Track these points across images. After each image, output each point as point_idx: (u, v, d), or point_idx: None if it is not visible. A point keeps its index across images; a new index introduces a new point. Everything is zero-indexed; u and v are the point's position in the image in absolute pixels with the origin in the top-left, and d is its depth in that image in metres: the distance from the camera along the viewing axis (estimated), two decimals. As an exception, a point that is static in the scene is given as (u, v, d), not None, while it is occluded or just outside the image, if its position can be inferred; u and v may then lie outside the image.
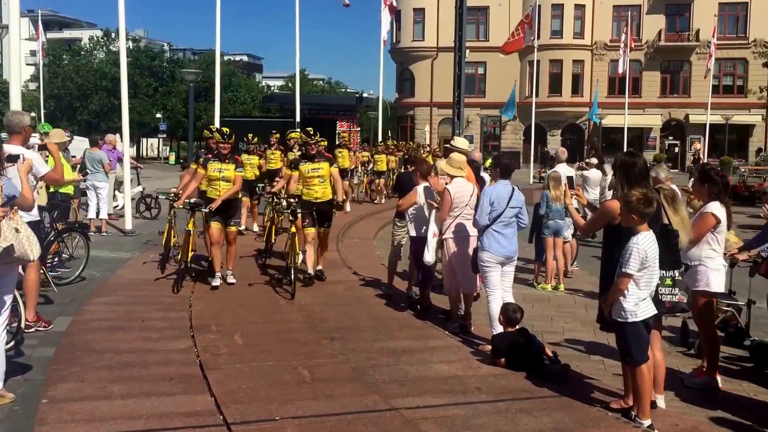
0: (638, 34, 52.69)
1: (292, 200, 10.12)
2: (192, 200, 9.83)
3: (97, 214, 15.19)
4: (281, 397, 5.66)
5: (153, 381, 6.04)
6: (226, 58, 66.89)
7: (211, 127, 10.72)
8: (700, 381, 6.83)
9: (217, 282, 9.74)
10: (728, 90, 53.36)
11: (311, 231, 10.12)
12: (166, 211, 11.88)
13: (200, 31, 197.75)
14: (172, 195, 10.73)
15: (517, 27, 33.84)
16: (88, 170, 15.21)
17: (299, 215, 10.09)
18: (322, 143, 12.90)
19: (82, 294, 9.40)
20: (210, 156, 10.15)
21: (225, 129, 10.43)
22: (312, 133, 10.62)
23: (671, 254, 5.85)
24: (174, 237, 10.91)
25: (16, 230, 5.44)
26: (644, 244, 5.24)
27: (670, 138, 55.29)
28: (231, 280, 9.99)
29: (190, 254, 9.78)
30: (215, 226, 9.77)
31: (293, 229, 9.96)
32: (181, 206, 9.88)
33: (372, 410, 5.47)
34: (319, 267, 10.63)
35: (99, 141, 16.39)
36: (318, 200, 10.35)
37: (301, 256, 10.12)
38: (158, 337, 7.39)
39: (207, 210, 9.63)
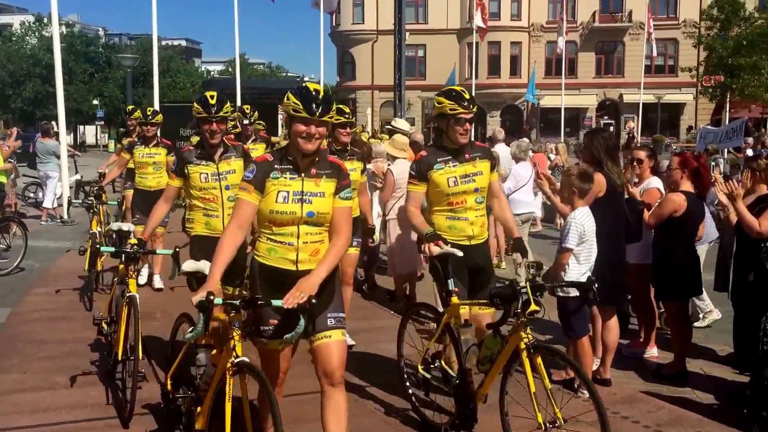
0: (573, 16, 53.59)
1: (447, 247, 4.76)
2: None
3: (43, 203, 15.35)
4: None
5: (98, 369, 5.98)
6: (163, 42, 65.48)
7: (208, 94, 5.49)
8: (637, 351, 7.07)
9: None
10: (660, 70, 54.54)
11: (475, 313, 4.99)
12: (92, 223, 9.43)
13: (136, 15, 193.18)
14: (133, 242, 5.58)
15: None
16: (38, 160, 15.37)
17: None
18: (259, 125, 10.97)
19: (21, 285, 9.23)
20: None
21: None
22: (469, 98, 4.93)
23: (638, 225, 6.22)
24: (101, 260, 7.95)
25: None
26: (581, 219, 5.42)
27: (605, 117, 56.30)
28: None
29: None
30: (276, 348, 4.01)
31: (487, 316, 4.97)
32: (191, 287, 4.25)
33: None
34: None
35: (51, 131, 16.36)
36: (473, 242, 5.05)
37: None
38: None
39: (267, 303, 3.73)
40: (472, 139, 5.12)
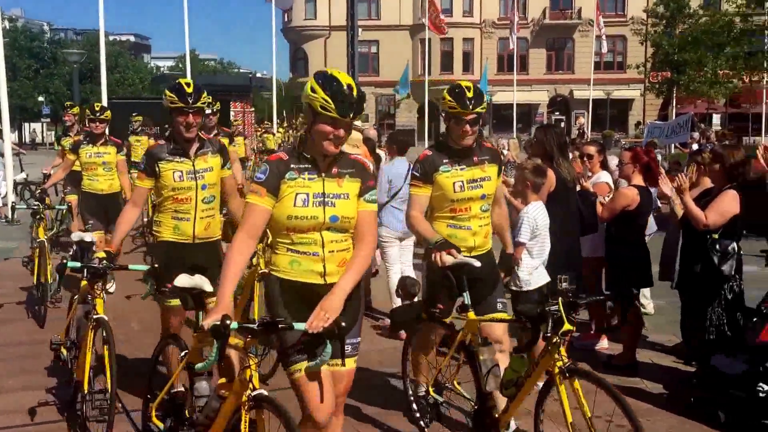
0: (524, 12, 54.19)
1: (461, 256, 4.27)
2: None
3: None
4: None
5: (47, 373, 5.87)
6: (111, 38, 64.36)
7: (183, 82, 4.87)
8: (588, 343, 7.18)
9: None
10: (609, 66, 55.44)
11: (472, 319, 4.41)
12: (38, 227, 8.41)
13: (82, 9, 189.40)
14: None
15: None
16: None
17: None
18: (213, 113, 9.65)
19: (-35, 287, 8.98)
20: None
21: None
22: (473, 96, 4.40)
23: (593, 216, 6.34)
24: (49, 263, 7.67)
25: None
26: (534, 213, 5.49)
27: (557, 113, 57.13)
28: None
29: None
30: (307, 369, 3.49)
31: (497, 328, 4.66)
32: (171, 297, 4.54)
33: (276, 389, 5.49)
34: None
35: None
36: (474, 253, 4.54)
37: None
38: (49, 328, 7.12)
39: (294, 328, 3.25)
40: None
